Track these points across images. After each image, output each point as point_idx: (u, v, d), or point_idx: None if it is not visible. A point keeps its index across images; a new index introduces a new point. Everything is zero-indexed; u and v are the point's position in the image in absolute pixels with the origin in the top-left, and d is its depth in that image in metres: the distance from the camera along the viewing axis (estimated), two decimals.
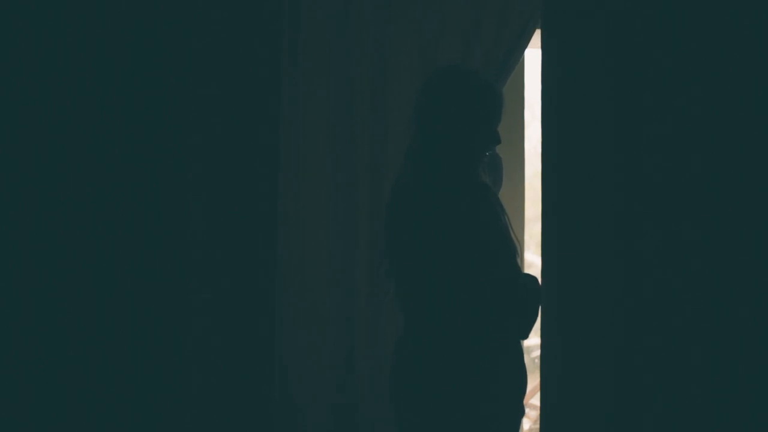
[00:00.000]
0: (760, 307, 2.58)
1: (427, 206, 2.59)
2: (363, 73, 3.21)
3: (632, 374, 2.63)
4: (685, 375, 2.61)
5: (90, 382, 2.65)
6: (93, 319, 2.66)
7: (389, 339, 3.04)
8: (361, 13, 3.21)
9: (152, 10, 2.69)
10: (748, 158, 2.60)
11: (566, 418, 2.70)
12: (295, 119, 3.17)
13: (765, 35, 2.60)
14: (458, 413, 2.56)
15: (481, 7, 3.22)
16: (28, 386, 2.65)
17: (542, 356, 2.74)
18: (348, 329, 3.21)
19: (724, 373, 2.59)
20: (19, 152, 2.65)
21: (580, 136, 2.71)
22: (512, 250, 2.62)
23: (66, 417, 2.65)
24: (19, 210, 2.65)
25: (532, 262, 5.18)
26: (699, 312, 2.61)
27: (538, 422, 2.80)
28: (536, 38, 3.05)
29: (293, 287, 3.15)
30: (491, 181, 2.77)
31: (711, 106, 2.61)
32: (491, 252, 2.58)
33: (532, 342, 5.10)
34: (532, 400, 4.52)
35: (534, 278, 2.67)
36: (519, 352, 2.69)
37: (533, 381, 3.06)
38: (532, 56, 3.67)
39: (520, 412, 2.70)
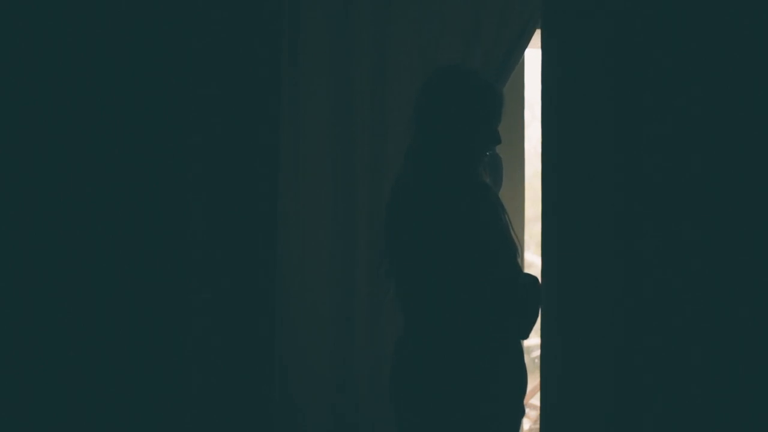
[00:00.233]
0: (760, 307, 2.58)
1: (427, 206, 2.59)
2: (363, 73, 3.22)
3: (632, 374, 2.63)
4: (685, 375, 2.61)
5: (90, 382, 2.65)
6: (93, 319, 2.66)
7: (389, 339, 3.04)
8: (361, 13, 3.21)
9: (152, 10, 2.69)
10: (748, 158, 2.60)
11: (566, 418, 2.70)
12: (295, 119, 3.17)
13: (765, 35, 2.60)
14: (458, 413, 2.56)
15: (481, 7, 3.22)
16: (28, 386, 2.65)
17: (542, 356, 2.74)
18: (348, 329, 3.21)
19: (724, 373, 2.59)
20: (19, 152, 2.65)
21: (580, 136, 2.71)
22: (513, 250, 2.62)
23: (66, 417, 2.65)
24: (19, 210, 2.65)
25: (532, 262, 5.18)
26: (699, 312, 2.60)
27: (538, 422, 2.80)
28: (536, 38, 3.05)
29: (293, 287, 3.15)
30: (491, 181, 2.77)
31: (711, 106, 2.61)
32: (491, 252, 2.58)
33: (532, 342, 5.10)
34: (532, 400, 4.52)
35: (534, 278, 2.67)
36: (519, 352, 2.69)
37: (533, 381, 3.06)
38: (532, 56, 3.67)
39: (520, 412, 2.70)
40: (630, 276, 2.65)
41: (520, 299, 2.63)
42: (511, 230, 2.64)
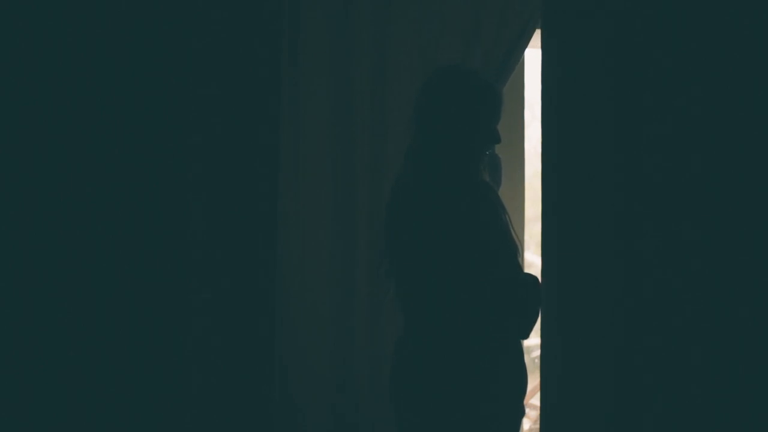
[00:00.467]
0: (760, 307, 2.58)
1: (427, 206, 2.59)
2: (363, 73, 3.22)
3: (632, 374, 2.63)
4: (685, 375, 2.61)
5: (90, 382, 2.65)
6: (93, 319, 2.66)
7: (389, 339, 3.04)
8: (361, 13, 3.21)
9: (152, 10, 2.69)
10: (748, 158, 2.60)
11: (566, 418, 2.70)
12: (295, 119, 3.17)
13: (765, 35, 2.60)
14: (458, 413, 2.56)
15: (481, 7, 3.22)
16: (28, 386, 2.64)
17: (542, 356, 2.74)
18: (348, 329, 3.21)
19: (724, 373, 2.59)
20: (19, 152, 2.65)
21: (580, 136, 2.71)
22: (513, 250, 2.62)
23: (66, 417, 2.65)
24: (19, 210, 2.65)
25: (532, 262, 5.18)
26: (699, 312, 2.60)
27: (538, 422, 2.80)
28: (536, 38, 3.05)
29: (293, 287, 3.15)
30: (491, 181, 2.77)
31: (711, 106, 2.61)
32: (491, 252, 2.58)
33: (532, 342, 5.10)
34: (532, 400, 4.52)
35: (534, 278, 2.67)
36: (519, 352, 2.69)
37: (533, 381, 3.06)
38: (532, 56, 3.67)
39: (520, 412, 2.70)
40: (630, 276, 2.65)
41: (520, 299, 2.63)
42: (512, 230, 2.64)
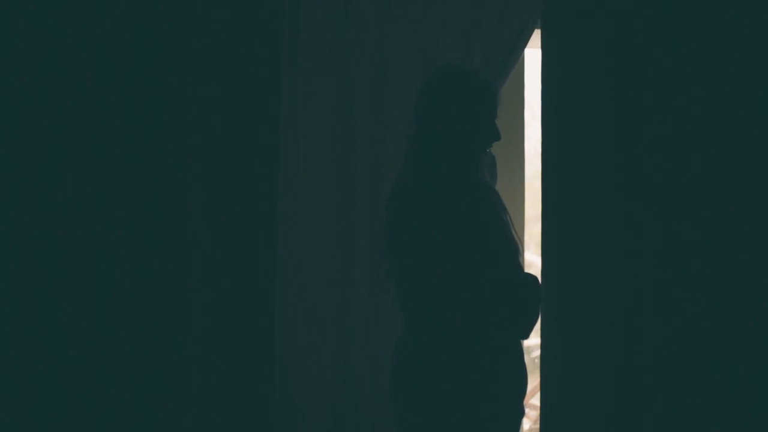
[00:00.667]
0: (760, 307, 2.58)
1: (427, 206, 2.59)
2: (363, 73, 3.22)
3: (632, 374, 2.63)
4: (685, 375, 2.61)
5: (90, 382, 2.65)
6: (93, 319, 2.66)
7: (389, 339, 3.04)
8: (361, 13, 3.21)
9: (152, 10, 2.69)
10: (748, 158, 2.60)
11: (566, 418, 2.70)
12: (295, 119, 3.17)
13: (765, 35, 2.60)
14: (458, 413, 2.56)
15: (481, 7, 3.22)
16: (28, 386, 2.64)
17: (542, 356, 2.74)
18: (348, 329, 3.21)
19: (724, 373, 2.59)
20: (19, 152, 2.65)
21: (580, 136, 2.71)
22: (513, 250, 2.62)
23: (66, 417, 2.65)
24: (19, 210, 2.65)
25: (532, 262, 5.19)
26: (699, 312, 2.60)
27: (538, 422, 2.80)
28: (536, 38, 3.05)
29: (293, 287, 3.15)
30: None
31: (711, 106, 2.61)
32: (491, 252, 2.58)
33: (532, 342, 5.10)
34: (532, 400, 4.52)
35: (534, 278, 2.66)
36: (519, 352, 2.69)
37: (533, 381, 3.06)
38: (532, 56, 3.67)
39: (520, 413, 2.70)
40: (630, 276, 2.65)
41: (520, 299, 2.63)
42: (513, 230, 2.64)
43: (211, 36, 2.70)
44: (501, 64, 3.18)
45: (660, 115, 2.64)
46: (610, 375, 2.65)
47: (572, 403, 2.68)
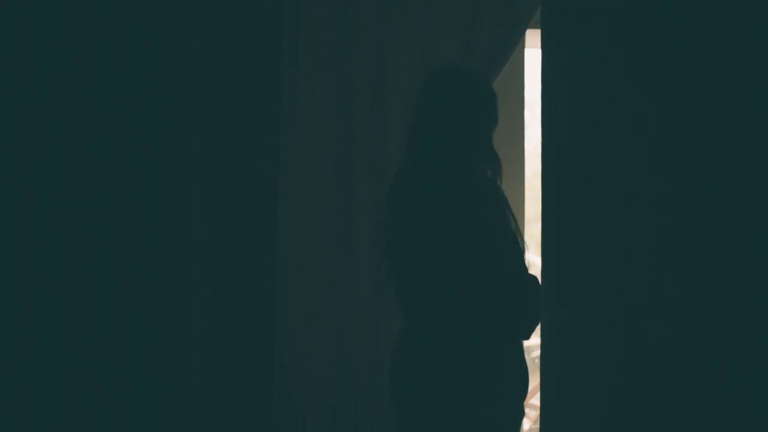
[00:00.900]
0: (760, 307, 2.58)
1: (427, 206, 2.59)
2: (363, 73, 3.21)
3: (632, 374, 2.63)
4: (685, 375, 2.61)
5: (90, 382, 2.65)
6: (93, 319, 2.65)
7: (389, 339, 3.04)
8: (361, 13, 3.21)
9: (152, 10, 2.69)
10: (748, 158, 2.60)
11: (566, 418, 2.70)
12: (295, 119, 3.17)
13: (765, 35, 2.60)
14: (458, 413, 2.56)
15: (481, 7, 3.22)
16: (28, 386, 2.64)
17: (542, 356, 2.74)
18: (348, 329, 3.20)
19: (724, 373, 2.59)
20: (19, 152, 2.65)
21: (580, 136, 2.71)
22: (515, 250, 2.62)
23: (66, 417, 2.65)
24: (19, 210, 2.65)
25: (532, 262, 5.18)
26: (699, 312, 2.60)
27: (538, 422, 2.80)
28: (536, 38, 3.05)
29: (293, 287, 3.15)
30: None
31: (711, 106, 2.61)
32: (491, 252, 2.58)
33: (532, 342, 5.10)
34: (532, 400, 4.52)
35: (535, 278, 2.67)
36: (520, 353, 2.69)
37: (533, 381, 3.06)
38: (532, 56, 3.67)
39: (521, 413, 2.70)
40: (630, 276, 2.65)
41: (520, 299, 2.62)
42: (517, 230, 2.63)
43: (211, 36, 2.70)
44: (496, 61, 3.18)
45: (660, 115, 2.64)
46: (610, 375, 2.65)
47: (572, 403, 2.68)
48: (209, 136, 2.70)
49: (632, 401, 2.63)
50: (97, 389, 2.65)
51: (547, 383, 2.71)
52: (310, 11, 3.19)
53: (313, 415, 3.17)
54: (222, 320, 2.70)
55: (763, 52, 2.59)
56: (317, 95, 3.19)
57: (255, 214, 2.71)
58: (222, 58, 2.71)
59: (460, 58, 3.19)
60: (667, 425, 2.61)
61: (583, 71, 2.69)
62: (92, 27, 2.67)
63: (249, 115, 2.71)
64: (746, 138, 2.59)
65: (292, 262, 3.15)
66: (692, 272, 2.61)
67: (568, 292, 2.70)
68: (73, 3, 2.67)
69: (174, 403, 2.67)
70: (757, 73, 2.59)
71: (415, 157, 2.66)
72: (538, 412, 2.94)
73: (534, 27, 3.22)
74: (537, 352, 4.90)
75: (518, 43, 3.23)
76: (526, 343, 2.78)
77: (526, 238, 3.64)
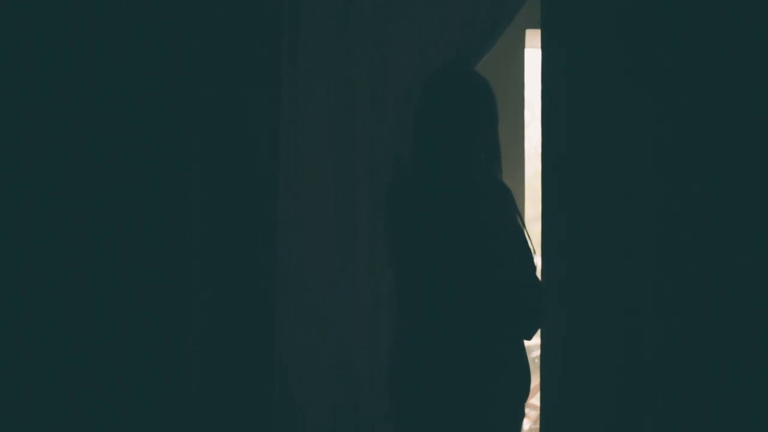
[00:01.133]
0: (760, 307, 2.58)
1: (427, 206, 2.59)
2: (363, 73, 3.21)
3: (632, 374, 2.63)
4: (685, 375, 2.61)
5: (90, 382, 2.65)
6: (93, 319, 2.66)
7: (389, 339, 3.04)
8: (361, 13, 3.21)
9: (152, 10, 2.69)
10: (747, 158, 2.60)
11: (566, 418, 2.70)
12: (295, 119, 3.17)
13: (765, 35, 2.60)
14: (458, 413, 2.56)
15: (480, 7, 3.21)
16: (28, 386, 2.65)
17: (542, 356, 2.74)
18: (348, 329, 3.20)
19: (724, 372, 2.59)
20: (19, 152, 2.65)
21: (580, 136, 2.71)
22: (520, 250, 2.59)
23: (66, 417, 2.65)
24: (19, 210, 2.65)
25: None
26: (699, 312, 2.61)
27: (538, 422, 2.80)
28: (536, 38, 3.05)
29: (293, 287, 3.15)
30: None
31: (711, 106, 2.61)
32: (492, 251, 2.58)
33: (532, 342, 5.10)
34: (532, 400, 4.52)
35: (536, 278, 2.66)
36: (521, 353, 2.68)
37: (533, 381, 3.06)
38: (532, 56, 3.68)
39: (521, 414, 2.70)
40: (630, 276, 2.65)
41: (520, 299, 2.62)
42: (524, 230, 2.62)
43: (211, 36, 2.70)
44: (479, 50, 3.16)
45: (660, 115, 2.64)
46: (610, 375, 2.65)
47: (572, 403, 2.68)
48: (209, 136, 2.70)
49: (632, 401, 2.63)
50: (97, 389, 2.65)
51: (547, 383, 2.72)
52: (310, 11, 3.18)
53: (313, 415, 3.17)
54: (222, 320, 2.70)
55: (763, 52, 2.59)
56: (317, 95, 3.19)
57: (255, 214, 2.71)
58: (222, 58, 2.71)
59: (459, 58, 3.19)
60: (667, 425, 2.61)
61: (582, 71, 2.70)
62: (92, 27, 2.67)
63: (249, 115, 2.71)
64: (746, 138, 2.60)
65: (292, 262, 3.15)
66: (692, 272, 2.61)
67: (568, 292, 2.70)
68: (73, 3, 2.67)
69: (174, 403, 2.67)
70: (757, 73, 2.59)
71: (416, 156, 2.66)
72: (538, 412, 2.94)
73: (534, 27, 3.22)
74: (537, 352, 4.90)
75: (504, 28, 3.20)
76: (526, 343, 2.78)
77: None
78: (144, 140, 2.68)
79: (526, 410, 2.79)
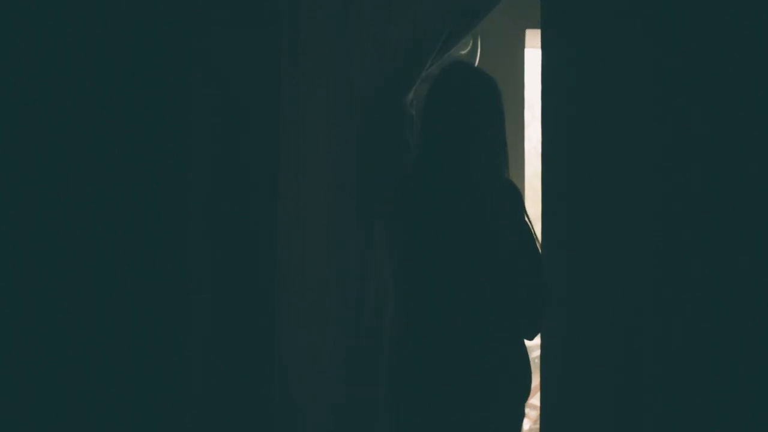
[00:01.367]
0: (760, 307, 2.58)
1: (430, 204, 2.59)
2: (363, 73, 3.21)
3: (632, 374, 2.63)
4: (685, 375, 2.61)
5: (91, 382, 2.65)
6: (93, 319, 2.66)
7: (389, 338, 3.04)
8: (361, 13, 3.21)
9: (153, 10, 2.69)
10: (747, 159, 2.60)
11: (566, 418, 2.70)
12: (295, 119, 3.17)
13: (765, 35, 2.60)
14: (458, 413, 2.56)
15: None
16: (28, 386, 2.65)
17: (542, 356, 2.74)
18: (348, 329, 3.20)
19: (724, 372, 2.59)
20: (19, 152, 2.65)
21: (580, 136, 2.71)
22: (526, 250, 2.59)
23: (66, 417, 2.65)
24: (19, 210, 2.65)
25: None
26: (699, 312, 2.61)
27: (538, 422, 2.80)
28: (536, 38, 3.05)
29: (293, 287, 3.15)
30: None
31: (711, 106, 2.61)
32: (494, 251, 2.58)
33: (533, 342, 5.10)
34: (532, 400, 4.52)
35: (538, 279, 2.65)
36: (522, 354, 2.68)
37: (533, 381, 3.06)
38: (532, 56, 3.68)
39: (521, 414, 2.70)
40: (630, 276, 2.65)
41: (520, 299, 2.62)
42: (531, 230, 2.61)
43: (211, 36, 2.70)
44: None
45: (660, 115, 2.64)
46: (610, 375, 2.65)
47: (572, 403, 2.68)
48: (209, 137, 2.70)
49: (632, 401, 2.63)
50: (98, 389, 2.66)
51: (547, 383, 2.72)
52: (310, 11, 3.18)
53: (313, 415, 3.17)
54: (222, 320, 2.70)
55: (763, 52, 2.59)
56: (317, 95, 3.19)
57: (255, 214, 2.71)
58: (222, 58, 2.71)
59: (460, 58, 3.19)
60: (667, 425, 2.61)
61: (582, 71, 2.70)
62: (92, 27, 2.68)
63: (249, 115, 2.71)
64: (746, 138, 2.60)
65: (292, 262, 3.14)
66: (692, 272, 2.61)
67: (569, 292, 2.70)
68: (73, 3, 2.67)
69: (174, 403, 2.67)
70: (757, 73, 2.59)
71: (421, 154, 2.66)
72: (538, 412, 2.94)
73: (534, 27, 3.22)
74: (537, 352, 4.90)
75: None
76: (526, 344, 2.78)
77: None
78: (144, 140, 2.68)
79: (526, 410, 2.79)
